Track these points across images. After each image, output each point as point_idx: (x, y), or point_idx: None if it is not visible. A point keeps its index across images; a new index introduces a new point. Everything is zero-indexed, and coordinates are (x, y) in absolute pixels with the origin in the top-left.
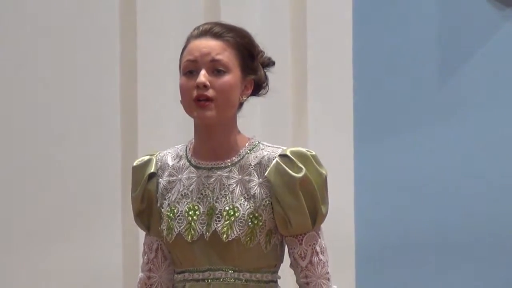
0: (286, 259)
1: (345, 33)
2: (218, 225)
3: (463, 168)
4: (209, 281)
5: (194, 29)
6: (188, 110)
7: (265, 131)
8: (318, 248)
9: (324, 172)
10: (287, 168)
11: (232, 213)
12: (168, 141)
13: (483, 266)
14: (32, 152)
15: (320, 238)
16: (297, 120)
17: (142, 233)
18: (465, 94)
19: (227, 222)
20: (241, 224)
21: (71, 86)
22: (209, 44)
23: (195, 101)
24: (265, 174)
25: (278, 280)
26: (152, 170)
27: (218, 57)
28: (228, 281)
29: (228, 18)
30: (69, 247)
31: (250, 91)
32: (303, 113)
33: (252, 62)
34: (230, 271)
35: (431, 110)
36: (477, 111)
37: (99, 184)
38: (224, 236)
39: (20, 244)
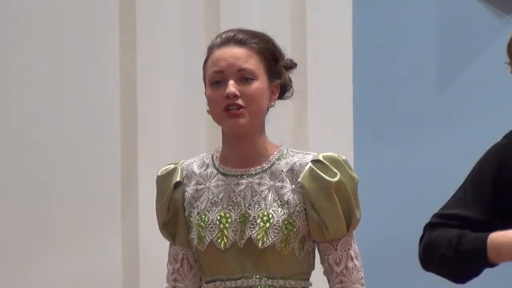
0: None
1: (345, 36)
2: (253, 232)
3: (463, 172)
4: None
5: (216, 37)
6: (218, 121)
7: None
8: (352, 253)
9: (356, 176)
10: (321, 173)
11: (266, 219)
12: (168, 144)
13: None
14: (31, 156)
15: (353, 243)
16: (297, 124)
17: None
18: (464, 99)
19: (262, 228)
20: (276, 231)
21: (70, 90)
22: (234, 53)
23: (226, 111)
24: (299, 180)
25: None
26: (177, 179)
27: (245, 65)
28: None
29: (228, 20)
30: (67, 253)
31: (277, 96)
32: (303, 116)
33: (276, 66)
34: (264, 278)
35: (431, 114)
36: (476, 116)
37: (98, 190)
38: (260, 243)
39: (17, 250)
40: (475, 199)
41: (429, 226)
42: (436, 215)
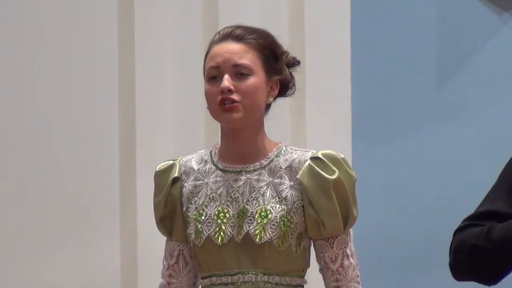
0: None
1: (343, 35)
2: (251, 227)
3: (462, 171)
4: (239, 284)
5: (215, 34)
6: (215, 116)
7: None
8: (348, 252)
9: (354, 175)
10: (320, 170)
11: (264, 215)
12: (166, 143)
13: None
14: (30, 158)
15: (349, 241)
16: (295, 122)
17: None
18: (463, 98)
19: (259, 224)
20: (273, 227)
21: (69, 88)
22: (231, 48)
23: (221, 105)
24: (297, 177)
25: (305, 285)
26: (176, 175)
27: (241, 61)
28: (259, 284)
29: (226, 20)
30: (65, 252)
31: (276, 92)
32: (301, 115)
33: (276, 62)
34: (260, 274)
35: (429, 113)
36: (475, 115)
37: (96, 188)
38: (257, 238)
39: (15, 250)
40: (501, 194)
41: (457, 231)
42: (464, 219)
